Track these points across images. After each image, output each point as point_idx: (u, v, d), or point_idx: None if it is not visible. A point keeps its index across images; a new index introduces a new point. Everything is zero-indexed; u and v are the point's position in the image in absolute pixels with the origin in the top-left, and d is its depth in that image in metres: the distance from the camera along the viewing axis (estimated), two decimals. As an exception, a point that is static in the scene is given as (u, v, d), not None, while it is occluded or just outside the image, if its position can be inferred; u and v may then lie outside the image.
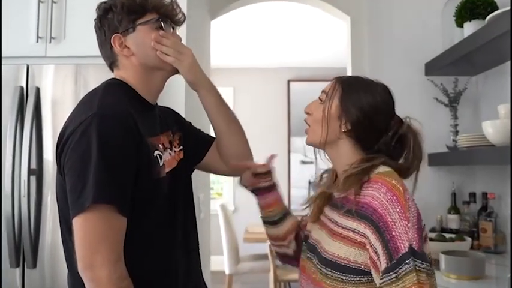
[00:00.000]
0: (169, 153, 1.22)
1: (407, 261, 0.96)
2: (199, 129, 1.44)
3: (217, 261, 4.17)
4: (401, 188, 1.03)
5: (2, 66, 1.92)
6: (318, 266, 1.14)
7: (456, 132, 2.35)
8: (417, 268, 0.96)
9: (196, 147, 1.37)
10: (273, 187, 1.38)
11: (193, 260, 1.30)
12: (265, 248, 4.16)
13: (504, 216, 2.18)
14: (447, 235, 2.10)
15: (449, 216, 2.38)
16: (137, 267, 1.06)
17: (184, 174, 1.31)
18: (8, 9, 2.01)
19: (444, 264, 1.78)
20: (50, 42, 2.01)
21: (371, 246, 1.02)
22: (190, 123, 1.44)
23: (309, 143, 1.24)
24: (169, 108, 1.41)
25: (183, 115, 2.01)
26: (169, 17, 1.23)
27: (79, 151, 1.03)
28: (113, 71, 1.25)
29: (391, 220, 0.99)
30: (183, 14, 1.27)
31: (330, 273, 1.09)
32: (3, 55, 1.92)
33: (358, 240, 1.05)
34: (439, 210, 2.40)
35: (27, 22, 2.02)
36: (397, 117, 1.19)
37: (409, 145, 1.15)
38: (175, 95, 1.96)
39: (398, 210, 1.00)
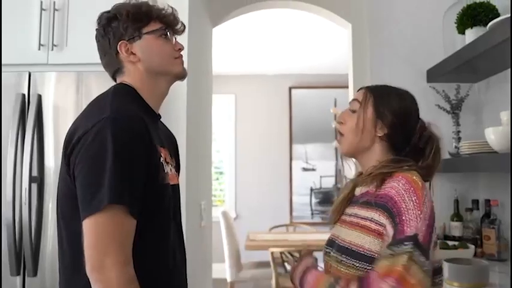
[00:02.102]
0: (170, 169, 1.22)
1: (405, 244, 1.01)
2: None
3: (218, 269, 4.15)
4: (420, 183, 1.10)
5: (5, 73, 1.92)
6: (335, 255, 1.18)
7: (458, 139, 2.34)
8: (413, 258, 1.00)
9: None
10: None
11: (185, 270, 1.32)
12: (267, 255, 4.13)
13: (507, 223, 2.16)
14: (450, 242, 2.09)
15: (452, 224, 2.37)
16: (141, 272, 1.05)
17: (179, 194, 1.33)
18: (10, 16, 2.02)
19: (447, 272, 1.76)
20: (52, 49, 2.02)
21: (387, 234, 1.07)
22: None
23: (345, 153, 1.28)
24: (172, 134, 1.43)
25: (184, 121, 2.02)
26: (171, 27, 1.27)
27: (93, 152, 1.04)
28: (115, 80, 1.27)
29: (404, 207, 1.06)
30: (183, 24, 1.31)
31: (344, 259, 1.14)
32: (5, 62, 1.93)
33: (374, 227, 1.10)
34: (441, 218, 2.38)
35: (29, 29, 2.03)
36: (421, 122, 1.25)
37: (431, 146, 1.21)
38: (178, 102, 1.97)
39: (413, 199, 1.06)
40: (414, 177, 1.11)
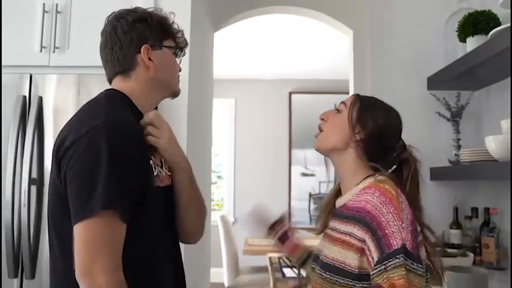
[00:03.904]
0: (160, 171, 1.21)
1: (397, 257, 1.01)
2: None
3: (216, 273, 4.14)
4: (394, 192, 1.10)
5: (6, 74, 1.92)
6: (319, 272, 1.19)
7: (458, 147, 2.34)
8: (407, 267, 1.00)
9: None
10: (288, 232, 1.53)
11: (182, 272, 1.31)
12: (265, 260, 4.13)
13: (506, 231, 2.16)
14: (449, 250, 2.08)
15: (451, 231, 2.37)
16: (130, 276, 1.05)
17: (173, 195, 1.30)
18: (12, 18, 2.02)
19: (446, 280, 1.76)
20: (54, 51, 2.02)
21: (368, 248, 1.07)
22: None
23: (317, 148, 1.30)
24: None
25: (185, 125, 2.01)
26: (181, 49, 1.34)
27: (87, 158, 1.04)
28: (110, 82, 1.26)
29: (384, 220, 1.05)
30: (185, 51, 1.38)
31: (329, 277, 1.14)
32: (7, 64, 1.93)
33: (353, 243, 1.11)
34: (440, 225, 2.37)
35: (31, 31, 2.03)
36: (402, 142, 1.26)
37: (408, 170, 1.21)
38: (179, 106, 1.97)
39: (392, 211, 1.06)
40: (386, 187, 1.11)
